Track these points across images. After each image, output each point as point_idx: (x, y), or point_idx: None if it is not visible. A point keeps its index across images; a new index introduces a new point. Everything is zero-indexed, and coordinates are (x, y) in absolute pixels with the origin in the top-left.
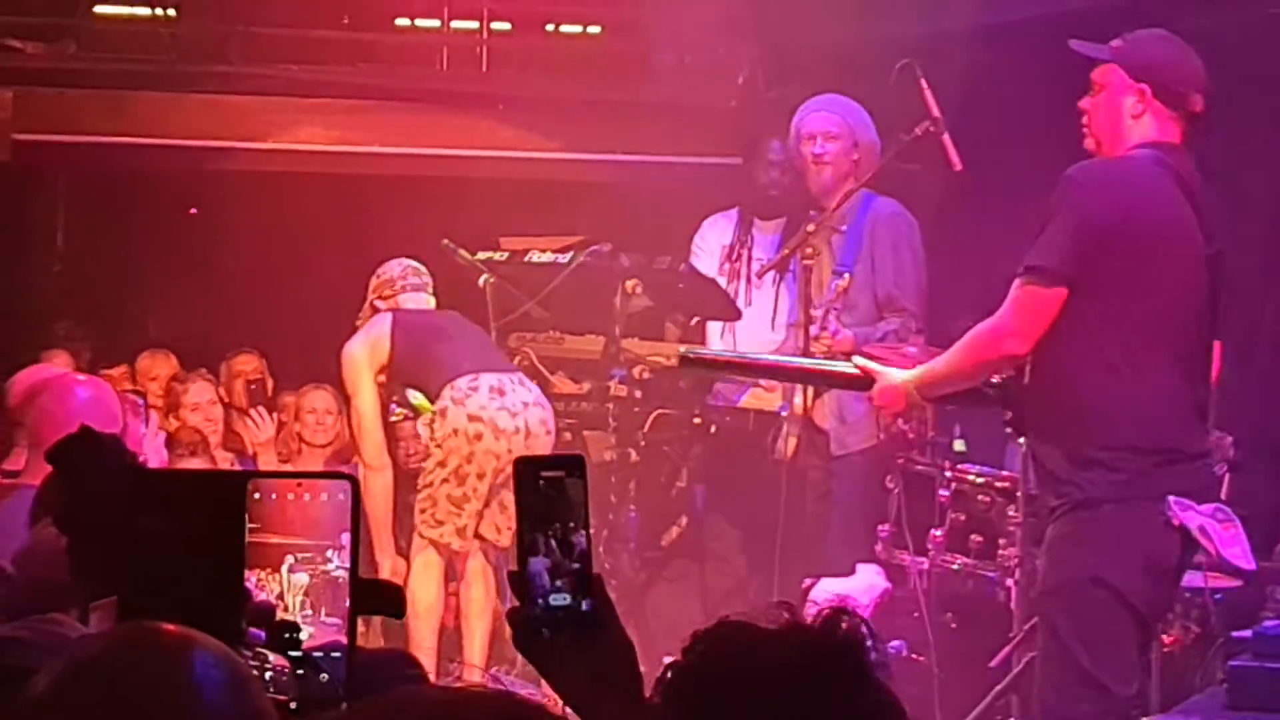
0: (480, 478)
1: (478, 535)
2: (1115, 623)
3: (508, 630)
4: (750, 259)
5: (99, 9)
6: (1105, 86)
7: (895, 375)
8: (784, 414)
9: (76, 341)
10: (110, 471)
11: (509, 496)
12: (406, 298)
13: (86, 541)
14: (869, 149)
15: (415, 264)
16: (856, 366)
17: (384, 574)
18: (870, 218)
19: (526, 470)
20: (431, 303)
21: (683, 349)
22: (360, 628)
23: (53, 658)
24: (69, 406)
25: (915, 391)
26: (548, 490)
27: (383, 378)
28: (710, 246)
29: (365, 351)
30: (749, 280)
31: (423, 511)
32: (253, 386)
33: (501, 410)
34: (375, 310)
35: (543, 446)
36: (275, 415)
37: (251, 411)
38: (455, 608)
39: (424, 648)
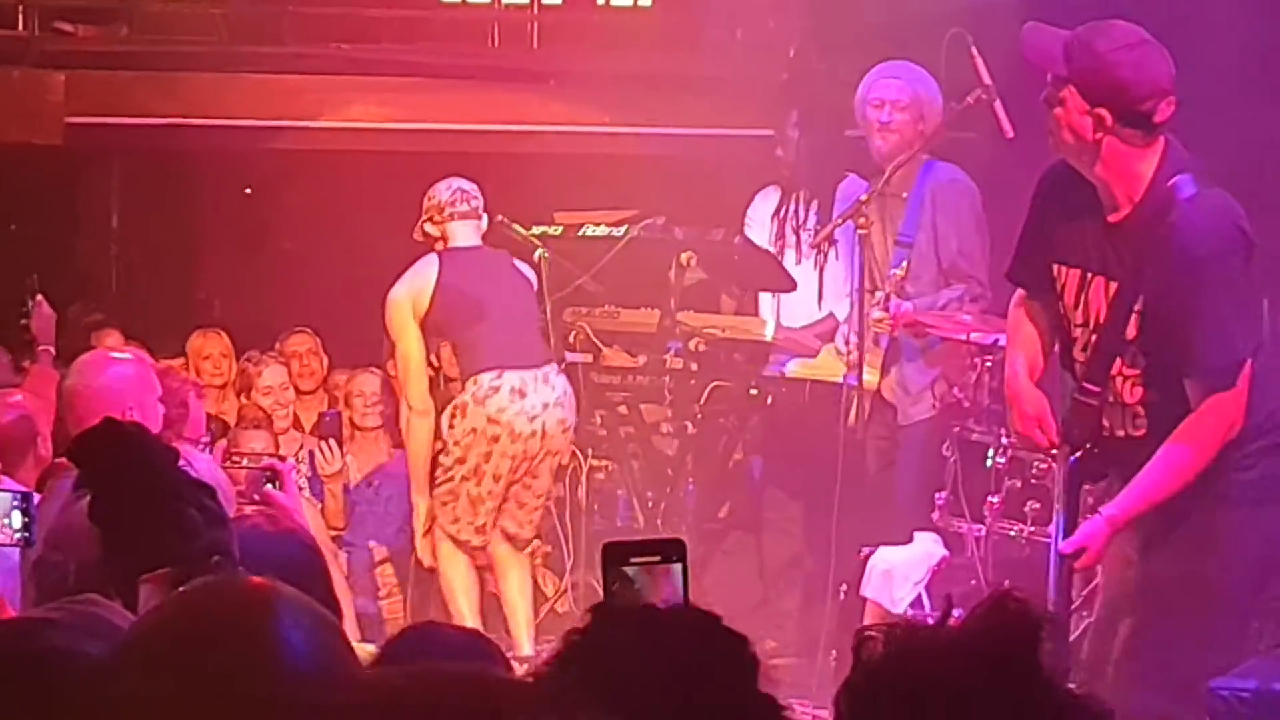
0: (496, 479)
1: (500, 529)
2: (1224, 622)
3: (543, 611)
4: (799, 230)
5: None
6: (1063, 103)
7: (1096, 526)
8: (852, 385)
9: (131, 323)
10: (136, 463)
11: (525, 493)
12: (455, 227)
13: (115, 531)
14: (936, 119)
15: (465, 186)
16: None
17: (419, 515)
18: (930, 184)
19: (615, 555)
20: (478, 229)
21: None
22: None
23: (88, 638)
24: (99, 382)
25: (1115, 525)
26: (640, 576)
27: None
28: (762, 218)
29: (408, 301)
30: (799, 251)
31: (443, 505)
32: (326, 419)
33: (520, 414)
34: (425, 235)
35: (559, 447)
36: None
37: (321, 445)
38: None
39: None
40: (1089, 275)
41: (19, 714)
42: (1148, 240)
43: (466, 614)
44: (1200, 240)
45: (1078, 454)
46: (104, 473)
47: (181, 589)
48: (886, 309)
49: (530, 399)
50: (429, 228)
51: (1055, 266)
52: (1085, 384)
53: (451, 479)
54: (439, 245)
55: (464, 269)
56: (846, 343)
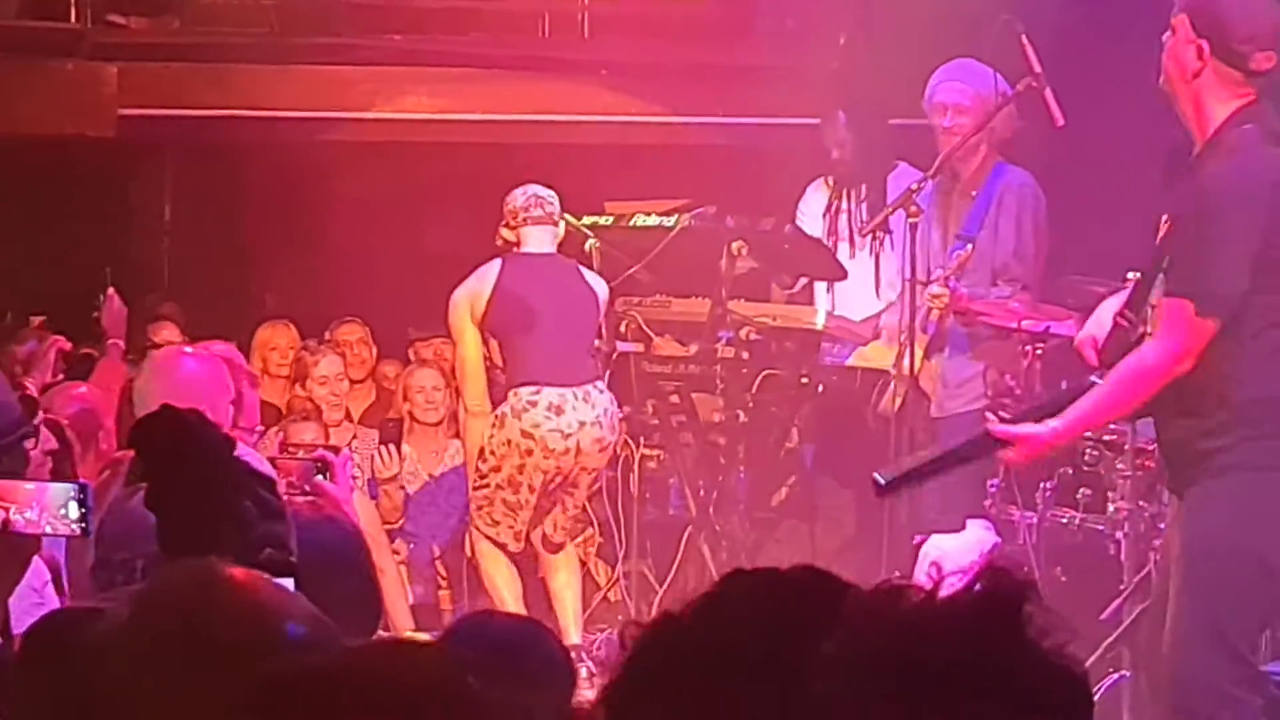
0: (531, 490)
1: (542, 534)
2: (1259, 591)
3: (595, 600)
4: (850, 221)
5: None
6: (1174, 32)
7: (1034, 430)
8: (891, 372)
9: (183, 315)
10: (193, 451)
11: (566, 499)
12: (528, 232)
13: (169, 519)
14: (1003, 117)
15: (541, 193)
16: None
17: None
18: (1001, 186)
19: None
20: (554, 236)
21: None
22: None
23: None
24: (174, 379)
25: (1059, 438)
26: None
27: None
28: (814, 212)
29: (466, 304)
30: (852, 242)
31: (479, 509)
32: (389, 424)
33: (554, 431)
34: (503, 240)
35: (595, 464)
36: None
37: (380, 449)
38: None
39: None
40: (1164, 216)
41: (60, 704)
42: (1197, 179)
43: (510, 606)
44: (1228, 181)
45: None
46: (161, 460)
47: (152, 582)
48: (946, 285)
49: (567, 416)
50: (505, 232)
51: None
52: (1125, 309)
53: (488, 485)
54: (515, 250)
55: (524, 276)
56: (895, 331)
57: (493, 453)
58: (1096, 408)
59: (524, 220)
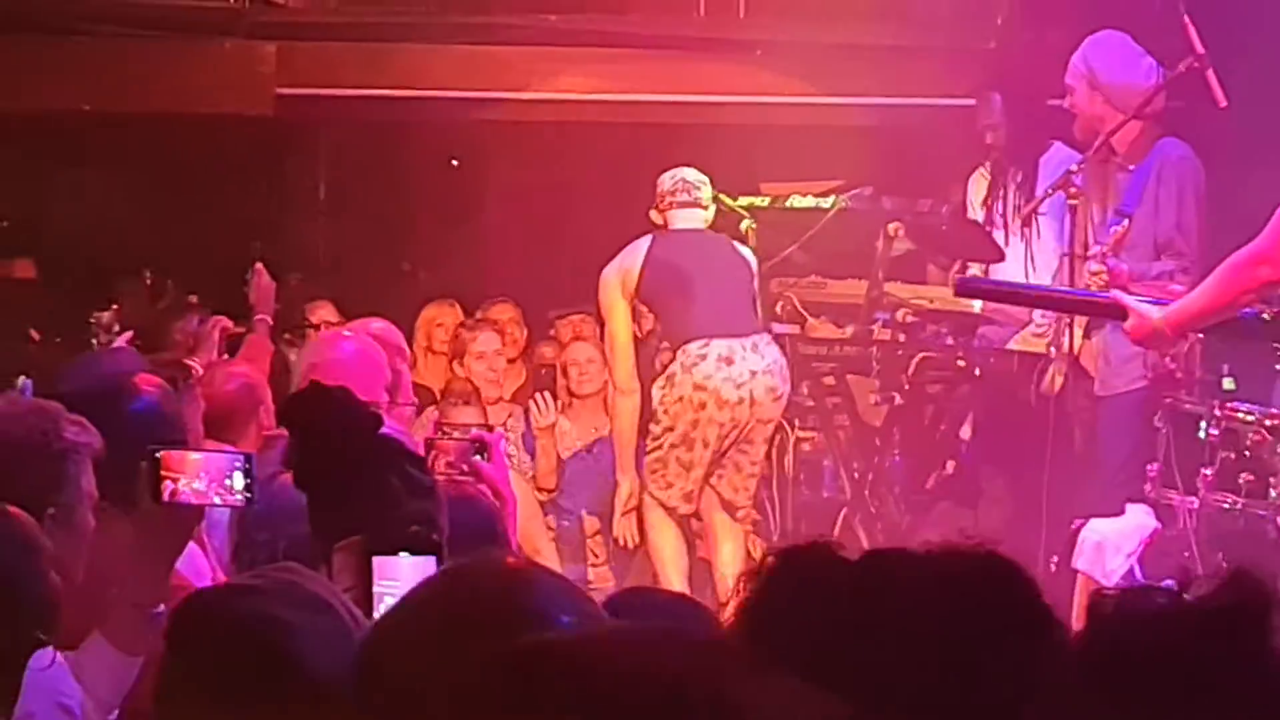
0: (705, 445)
1: (718, 494)
2: None
3: None
4: (1005, 207)
5: None
6: None
7: (1149, 310)
8: (1051, 352)
9: (338, 293)
10: (341, 428)
11: (741, 458)
12: (675, 214)
13: (318, 496)
14: (1115, 88)
15: (689, 176)
16: (1113, 300)
17: (622, 493)
18: (1159, 159)
19: None
20: (702, 220)
21: (956, 277)
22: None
23: (286, 605)
24: (331, 360)
25: (1166, 327)
26: None
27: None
28: (974, 201)
29: (617, 280)
30: (1006, 225)
31: (653, 473)
32: (543, 371)
33: (726, 380)
34: (652, 223)
35: (770, 415)
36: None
37: (536, 396)
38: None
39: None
40: None
41: (218, 677)
42: None
43: (675, 582)
44: None
45: None
46: (309, 437)
47: (439, 570)
48: (1104, 263)
49: (738, 366)
50: (654, 214)
51: None
52: None
53: (660, 446)
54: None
55: (675, 246)
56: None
57: (666, 412)
58: (1196, 298)
59: (670, 204)
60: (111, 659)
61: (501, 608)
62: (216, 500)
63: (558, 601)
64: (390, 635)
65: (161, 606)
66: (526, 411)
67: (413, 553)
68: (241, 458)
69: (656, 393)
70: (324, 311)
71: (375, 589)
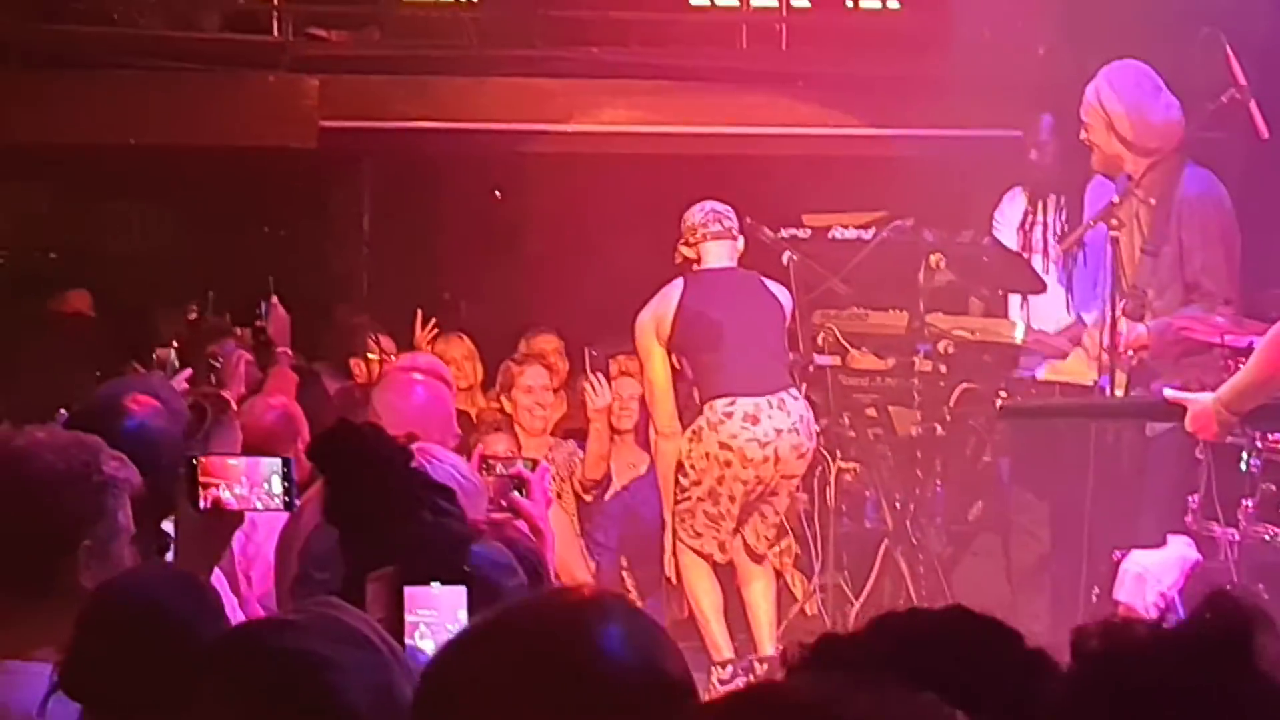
0: (732, 500)
1: (742, 539)
2: None
3: (792, 612)
4: (1045, 234)
5: None
6: None
7: (1204, 399)
8: (1103, 388)
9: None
10: (370, 463)
11: (765, 508)
12: (708, 248)
13: (354, 532)
14: (1130, 120)
15: (719, 208)
16: (1166, 399)
17: (669, 531)
18: (1179, 197)
19: None
20: (733, 250)
21: (1001, 404)
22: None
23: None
24: (410, 405)
25: (1224, 409)
26: None
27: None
28: (1010, 220)
29: (651, 326)
30: (1045, 254)
31: (682, 522)
32: (594, 354)
33: (751, 441)
34: (683, 258)
35: (794, 471)
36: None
37: (591, 376)
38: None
39: (720, 645)
40: None
41: (256, 709)
42: None
43: (711, 619)
44: None
45: None
46: (340, 473)
47: (508, 605)
48: (1133, 341)
49: (763, 425)
50: (684, 249)
51: None
52: None
53: (688, 498)
54: (695, 267)
55: (707, 292)
56: (1096, 344)
57: (693, 467)
58: (1247, 373)
59: (703, 236)
60: None
61: (575, 641)
62: (259, 505)
63: (628, 638)
64: (459, 666)
65: None
66: (588, 383)
67: (444, 583)
68: (279, 462)
69: (684, 445)
70: (385, 342)
71: (408, 619)
